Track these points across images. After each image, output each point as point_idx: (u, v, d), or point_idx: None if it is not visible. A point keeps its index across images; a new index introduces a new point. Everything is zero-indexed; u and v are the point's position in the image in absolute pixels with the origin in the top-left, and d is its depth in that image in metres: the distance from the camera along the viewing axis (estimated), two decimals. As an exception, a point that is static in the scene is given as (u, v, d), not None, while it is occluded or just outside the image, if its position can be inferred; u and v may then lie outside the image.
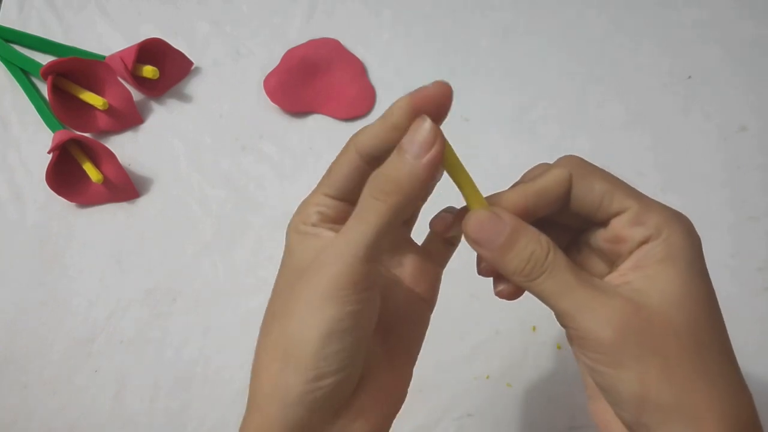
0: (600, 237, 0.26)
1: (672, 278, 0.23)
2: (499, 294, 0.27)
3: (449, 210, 0.28)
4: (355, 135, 0.25)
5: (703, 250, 0.25)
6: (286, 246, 0.26)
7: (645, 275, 0.23)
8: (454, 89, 0.26)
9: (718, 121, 0.55)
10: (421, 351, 0.47)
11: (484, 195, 0.26)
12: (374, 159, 0.25)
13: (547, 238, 0.24)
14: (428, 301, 0.30)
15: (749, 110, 0.55)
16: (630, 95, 0.56)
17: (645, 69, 0.58)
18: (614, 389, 0.23)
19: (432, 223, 0.28)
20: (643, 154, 0.54)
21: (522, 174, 0.28)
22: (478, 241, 0.24)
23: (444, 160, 0.24)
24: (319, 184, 0.26)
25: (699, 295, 0.23)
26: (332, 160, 0.26)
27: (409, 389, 0.46)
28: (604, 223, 0.25)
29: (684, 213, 0.52)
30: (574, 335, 0.24)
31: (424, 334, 0.30)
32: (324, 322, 0.23)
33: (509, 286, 0.26)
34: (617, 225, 0.24)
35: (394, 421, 0.47)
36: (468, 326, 0.48)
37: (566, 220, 0.26)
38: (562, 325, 0.24)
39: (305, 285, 0.24)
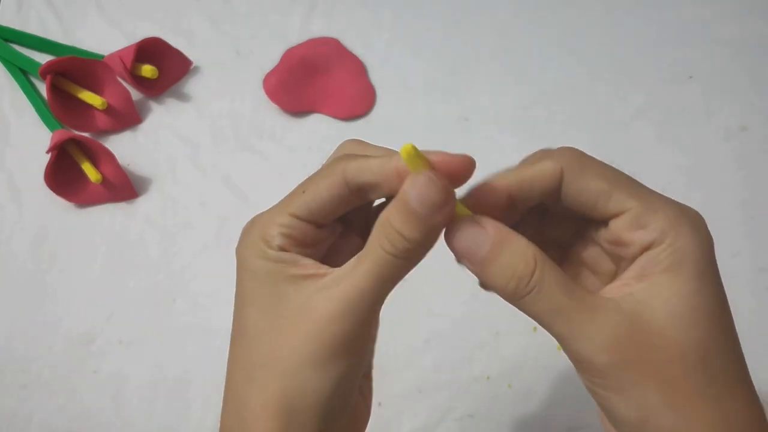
0: (601, 236, 0.24)
1: (678, 290, 0.21)
2: (483, 287, 0.25)
3: None
4: (345, 161, 0.23)
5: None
6: (250, 271, 0.23)
7: (649, 285, 0.21)
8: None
9: (719, 121, 0.55)
10: (422, 352, 0.47)
11: None
12: (363, 191, 0.23)
13: (535, 250, 0.22)
14: None
15: (750, 110, 0.55)
16: (631, 95, 0.56)
17: (646, 69, 0.57)
18: (613, 412, 0.22)
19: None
20: (643, 153, 0.54)
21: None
22: (460, 253, 0.22)
23: (415, 166, 0.22)
24: (286, 203, 0.24)
25: (708, 308, 0.21)
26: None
27: (410, 390, 0.46)
28: (604, 222, 0.23)
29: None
30: (569, 356, 0.22)
31: (376, 335, 0.28)
32: (335, 376, 0.22)
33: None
34: (617, 227, 0.22)
35: (395, 422, 0.47)
36: (468, 327, 0.48)
37: (567, 212, 0.24)
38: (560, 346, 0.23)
39: (307, 334, 0.22)
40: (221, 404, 0.25)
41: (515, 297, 0.22)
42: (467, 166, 0.22)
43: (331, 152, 0.27)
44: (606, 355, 0.21)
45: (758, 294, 0.49)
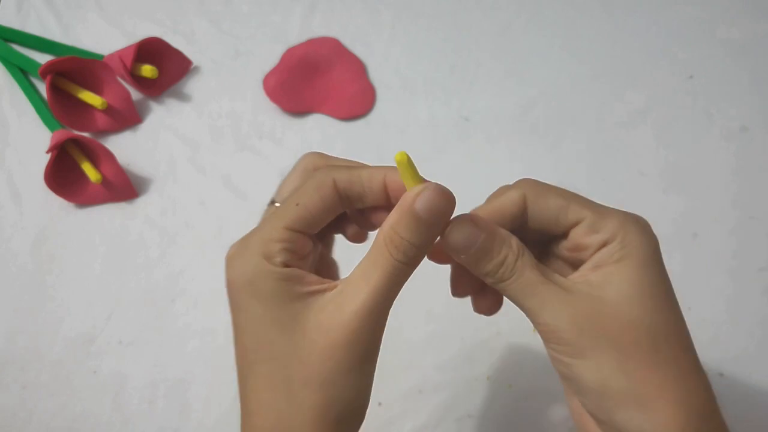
0: (563, 247, 0.27)
1: (627, 275, 0.24)
2: (478, 311, 0.29)
3: None
4: (333, 172, 0.26)
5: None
6: (256, 293, 0.24)
7: (603, 273, 0.25)
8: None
9: (719, 122, 0.55)
10: (422, 352, 0.47)
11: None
12: (351, 201, 0.26)
13: (517, 240, 0.26)
14: None
15: (750, 110, 0.55)
16: (631, 95, 0.56)
17: (646, 69, 0.57)
18: (577, 378, 0.25)
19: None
20: (644, 154, 0.54)
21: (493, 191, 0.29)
22: (456, 247, 0.25)
23: (407, 175, 0.24)
24: (278, 219, 0.25)
25: (654, 291, 0.25)
26: (287, 187, 0.27)
27: (410, 390, 0.46)
28: (564, 234, 0.27)
29: (685, 213, 0.52)
30: (539, 330, 0.25)
31: None
32: (366, 381, 0.25)
33: (487, 303, 0.29)
34: (576, 235, 0.26)
35: (395, 422, 0.47)
36: (468, 327, 0.48)
37: (531, 235, 0.27)
38: (531, 321, 0.26)
39: (338, 347, 0.24)
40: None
41: (500, 280, 0.25)
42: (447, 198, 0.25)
43: (332, 153, 0.28)
44: (569, 326, 0.24)
45: (758, 294, 0.49)
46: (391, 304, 0.25)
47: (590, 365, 0.24)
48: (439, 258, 0.28)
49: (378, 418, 0.45)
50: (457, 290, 0.29)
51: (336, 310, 0.24)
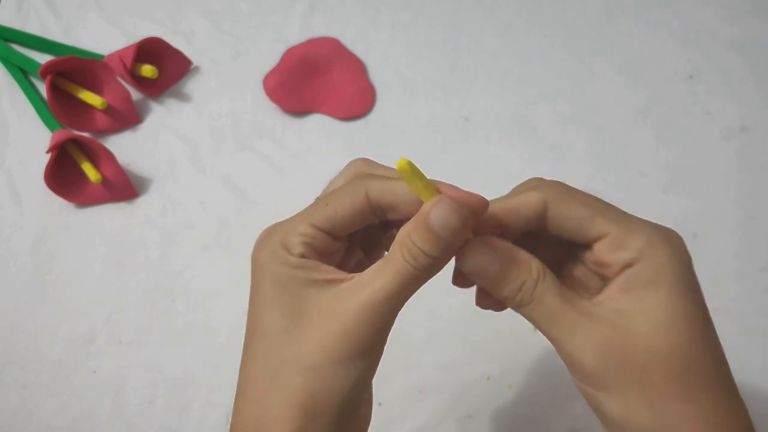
0: (588, 259, 0.26)
1: (658, 302, 0.23)
2: (479, 305, 0.28)
3: None
4: (367, 180, 0.25)
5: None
6: (270, 275, 0.25)
7: (631, 298, 0.23)
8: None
9: (719, 122, 0.55)
10: (422, 352, 0.47)
11: (483, 196, 0.25)
12: (383, 211, 0.25)
13: (539, 264, 0.24)
14: None
15: (750, 110, 0.55)
16: (631, 95, 0.56)
17: (646, 69, 0.57)
18: (600, 410, 0.24)
19: None
20: (644, 154, 0.54)
21: (515, 181, 0.28)
22: (472, 273, 0.25)
23: (413, 181, 0.24)
24: (307, 214, 0.25)
25: (686, 317, 0.23)
26: (330, 189, 0.26)
27: (410, 390, 0.46)
28: (588, 246, 0.25)
29: (685, 213, 0.52)
30: (562, 358, 0.24)
31: None
32: (356, 376, 0.23)
33: (489, 301, 0.27)
34: (599, 249, 0.25)
35: (395, 422, 0.47)
36: (469, 327, 0.47)
37: (554, 239, 0.26)
38: (555, 348, 0.25)
39: (333, 334, 0.23)
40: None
41: (520, 305, 0.25)
42: (482, 206, 0.24)
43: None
44: (593, 355, 0.23)
45: (758, 294, 0.49)
46: (400, 307, 0.24)
47: (615, 399, 0.23)
48: (461, 282, 0.27)
49: (378, 418, 0.45)
50: (460, 281, 0.28)
51: (342, 299, 0.24)
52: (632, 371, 0.23)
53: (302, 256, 0.24)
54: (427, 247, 0.23)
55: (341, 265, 0.27)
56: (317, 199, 0.26)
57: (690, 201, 0.52)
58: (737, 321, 0.47)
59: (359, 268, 0.27)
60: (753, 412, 0.24)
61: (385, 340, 0.25)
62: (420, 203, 0.24)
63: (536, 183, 0.26)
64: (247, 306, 0.26)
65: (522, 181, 0.28)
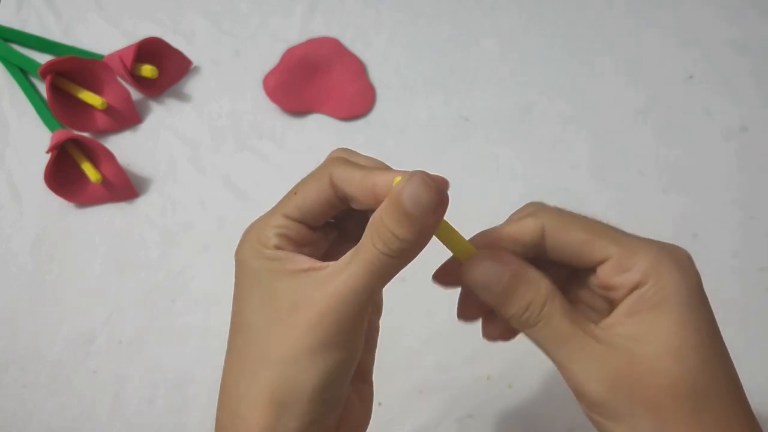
0: (592, 283, 0.25)
1: (666, 326, 0.22)
2: (487, 337, 0.28)
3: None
4: (333, 167, 0.24)
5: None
6: (248, 271, 0.24)
7: (639, 322, 0.23)
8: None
9: (719, 122, 0.55)
10: (423, 352, 0.47)
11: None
12: (347, 199, 0.24)
13: (548, 284, 0.24)
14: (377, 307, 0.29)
15: (750, 110, 0.55)
16: (631, 95, 0.56)
17: (647, 69, 0.57)
18: None
19: (435, 277, 0.27)
20: (644, 154, 0.54)
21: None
22: (478, 287, 0.24)
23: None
24: (279, 206, 0.25)
25: (696, 342, 0.22)
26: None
27: (410, 390, 0.46)
28: (592, 270, 0.25)
29: (685, 213, 0.51)
30: (568, 384, 0.24)
31: (376, 342, 0.29)
32: (325, 369, 0.22)
33: (497, 330, 0.27)
34: (603, 273, 0.24)
35: (395, 422, 0.47)
36: (469, 327, 0.47)
37: (558, 264, 0.25)
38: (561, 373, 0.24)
39: (300, 327, 0.22)
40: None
41: (526, 325, 0.24)
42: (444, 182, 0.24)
43: (327, 152, 0.28)
44: (601, 386, 0.22)
45: (758, 294, 0.49)
46: (371, 296, 0.23)
47: (623, 428, 0.22)
48: (445, 281, 0.27)
49: (378, 418, 0.45)
50: (465, 314, 0.27)
51: (312, 290, 0.23)
52: (642, 399, 0.22)
53: (277, 247, 0.24)
54: (399, 230, 0.21)
55: (329, 258, 0.26)
56: (288, 191, 0.26)
57: (690, 201, 0.52)
58: (737, 321, 0.47)
59: None
60: (755, 413, 0.24)
61: (360, 332, 0.24)
62: (376, 193, 0.23)
63: (533, 209, 0.26)
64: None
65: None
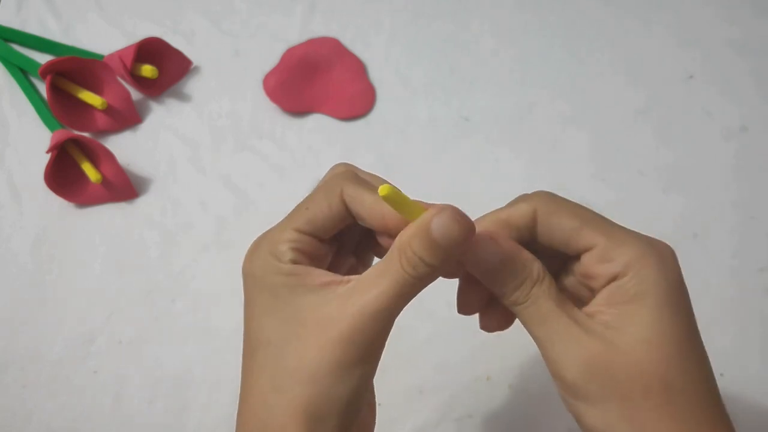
0: (576, 270, 0.26)
1: (642, 317, 0.23)
2: (485, 328, 0.28)
3: None
4: (344, 182, 0.25)
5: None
6: (264, 286, 0.25)
7: (617, 312, 0.23)
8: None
9: (719, 122, 0.55)
10: (422, 352, 0.47)
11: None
12: (355, 216, 0.25)
13: (540, 266, 0.25)
14: None
15: (750, 110, 0.55)
16: (631, 95, 0.56)
17: (647, 69, 0.57)
18: (580, 420, 0.24)
19: (461, 309, 0.29)
20: (644, 153, 0.54)
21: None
22: (474, 264, 0.25)
23: (399, 205, 0.23)
24: (290, 220, 0.25)
25: (671, 334, 0.23)
26: (317, 184, 0.26)
27: (410, 390, 0.46)
28: (577, 257, 0.25)
29: (685, 213, 0.51)
30: (546, 363, 0.25)
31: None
32: (355, 384, 0.23)
33: (494, 321, 0.28)
34: (586, 261, 0.25)
35: (395, 422, 0.47)
36: (468, 327, 0.47)
37: (546, 251, 0.26)
38: (540, 351, 0.25)
39: (331, 342, 0.23)
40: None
41: (515, 303, 0.25)
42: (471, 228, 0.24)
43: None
44: (577, 369, 0.23)
45: (758, 294, 0.49)
46: (397, 314, 0.24)
47: (595, 411, 0.23)
48: (466, 309, 0.28)
49: (378, 418, 0.45)
50: (464, 308, 0.28)
51: (340, 306, 0.23)
52: (614, 386, 0.23)
53: (293, 262, 0.24)
54: (427, 256, 0.23)
55: (332, 269, 0.27)
56: (298, 205, 0.26)
57: (690, 201, 0.52)
58: (737, 321, 0.47)
59: (352, 273, 0.27)
60: (750, 413, 0.24)
61: (383, 346, 0.25)
62: (400, 221, 0.24)
63: (523, 197, 0.26)
64: (243, 318, 0.26)
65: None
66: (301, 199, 0.27)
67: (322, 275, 0.24)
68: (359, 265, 0.29)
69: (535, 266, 0.25)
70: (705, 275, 0.49)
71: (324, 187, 0.26)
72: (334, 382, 0.23)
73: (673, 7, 0.60)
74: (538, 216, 0.25)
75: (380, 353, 0.25)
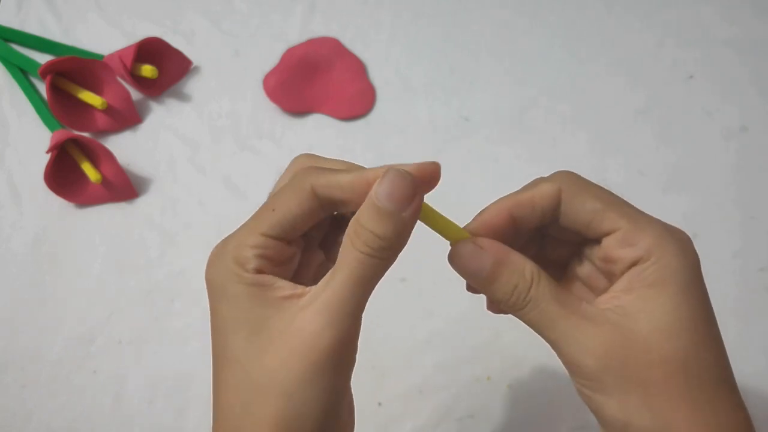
0: (595, 254, 0.25)
1: (662, 303, 0.23)
2: (492, 310, 0.28)
3: None
4: (312, 175, 0.24)
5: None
6: (227, 296, 0.24)
7: (635, 299, 0.23)
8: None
9: (719, 122, 0.55)
10: (422, 352, 0.47)
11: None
12: (332, 205, 0.24)
13: (533, 266, 0.24)
14: None
15: (750, 110, 0.55)
16: (631, 95, 0.56)
17: (646, 68, 0.57)
18: (599, 413, 0.24)
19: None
20: (644, 153, 0.54)
21: (519, 181, 0.28)
22: (464, 275, 0.25)
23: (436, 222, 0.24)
24: (255, 223, 0.24)
25: (690, 321, 0.23)
26: (275, 190, 0.25)
27: (410, 390, 0.46)
28: (597, 240, 0.25)
29: (685, 213, 0.52)
30: (561, 360, 0.24)
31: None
32: (327, 393, 0.22)
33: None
34: (608, 245, 0.24)
35: (395, 422, 0.47)
36: (469, 327, 0.47)
37: (565, 234, 0.26)
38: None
39: (295, 355, 0.22)
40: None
41: (515, 308, 0.24)
42: (435, 170, 0.24)
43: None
44: (593, 359, 0.23)
45: (758, 294, 0.49)
46: (361, 307, 0.23)
47: (615, 402, 0.23)
48: (474, 288, 0.27)
49: (378, 418, 0.45)
50: (492, 306, 0.28)
51: (302, 316, 0.22)
52: (633, 373, 0.22)
53: (257, 270, 0.23)
54: (378, 228, 0.22)
55: (301, 269, 0.26)
56: (264, 204, 0.25)
57: (690, 201, 0.52)
58: (737, 321, 0.47)
59: (322, 270, 0.27)
60: (754, 412, 0.24)
61: (355, 345, 0.24)
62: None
63: (545, 177, 0.26)
64: (210, 327, 0.25)
65: (519, 183, 0.27)
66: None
67: (285, 288, 0.23)
68: (328, 260, 0.28)
69: (527, 268, 0.24)
70: (705, 275, 0.48)
71: (290, 185, 0.24)
72: (305, 395, 0.22)
73: (673, 6, 0.60)
74: (562, 196, 0.24)
75: (353, 356, 0.24)
